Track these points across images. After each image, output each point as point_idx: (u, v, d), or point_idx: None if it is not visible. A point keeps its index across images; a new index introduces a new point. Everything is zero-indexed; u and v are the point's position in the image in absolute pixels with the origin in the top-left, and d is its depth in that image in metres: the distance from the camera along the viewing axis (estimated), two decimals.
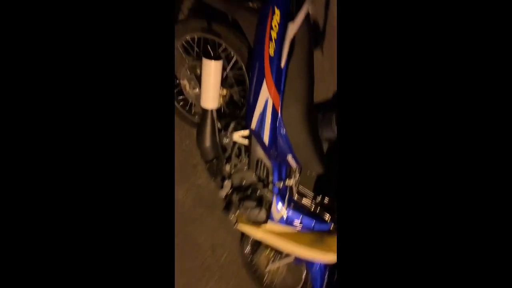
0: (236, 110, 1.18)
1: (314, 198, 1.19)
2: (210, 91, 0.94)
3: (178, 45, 1.10)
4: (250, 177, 1.10)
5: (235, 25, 0.96)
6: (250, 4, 0.91)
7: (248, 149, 1.08)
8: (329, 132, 1.20)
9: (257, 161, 1.08)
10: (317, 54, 1.49)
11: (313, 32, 0.89)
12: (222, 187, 1.15)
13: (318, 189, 1.31)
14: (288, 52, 0.87)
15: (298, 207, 1.13)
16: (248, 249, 1.43)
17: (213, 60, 0.87)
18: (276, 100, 0.93)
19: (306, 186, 1.26)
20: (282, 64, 0.88)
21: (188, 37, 1.07)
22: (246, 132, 1.07)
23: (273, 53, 0.87)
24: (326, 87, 1.55)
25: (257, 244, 1.37)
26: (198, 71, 1.05)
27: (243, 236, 1.43)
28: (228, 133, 1.08)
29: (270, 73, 0.89)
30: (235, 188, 1.13)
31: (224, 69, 1.09)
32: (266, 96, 0.92)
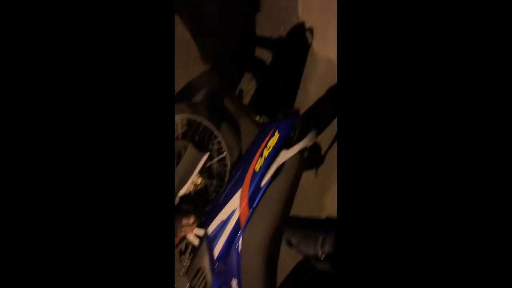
0: (205, 203, 1.09)
1: None
2: (180, 176, 0.88)
3: (179, 120, 1.10)
4: (183, 285, 0.92)
5: (237, 127, 0.97)
6: (257, 118, 0.94)
7: (194, 251, 0.94)
8: (310, 249, 1.18)
9: (198, 270, 0.92)
10: (310, 174, 1.50)
11: (303, 166, 0.88)
12: None
13: None
14: (272, 174, 0.84)
15: None
16: None
17: (196, 150, 0.84)
18: (244, 215, 0.85)
19: None
20: (263, 183, 0.84)
21: (191, 117, 1.09)
22: (201, 232, 0.95)
23: (258, 169, 0.85)
24: (310, 206, 1.50)
25: None
26: (182, 151, 1.02)
27: None
28: None
29: (248, 186, 0.85)
30: None
31: (211, 158, 1.06)
32: (235, 207, 0.85)
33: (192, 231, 0.92)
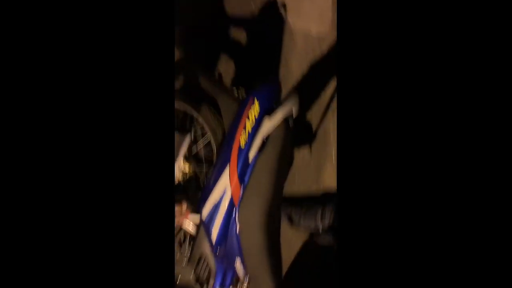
0: (197, 191, 1.06)
1: None
2: None
3: None
4: (187, 274, 0.90)
5: (218, 107, 0.94)
6: (235, 93, 0.90)
7: (193, 239, 0.91)
8: (311, 223, 1.16)
9: (200, 258, 0.89)
10: (304, 151, 1.47)
11: (290, 134, 0.85)
12: None
13: None
14: (259, 147, 0.81)
15: None
16: None
17: (177, 133, 0.81)
18: (236, 193, 0.82)
19: None
20: (251, 158, 0.81)
21: None
22: (196, 219, 0.92)
23: (243, 145, 0.81)
24: (309, 184, 1.48)
25: None
26: None
27: None
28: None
29: (236, 162, 0.81)
30: None
31: (195, 142, 1.03)
32: (225, 186, 0.82)
33: (186, 218, 0.89)
